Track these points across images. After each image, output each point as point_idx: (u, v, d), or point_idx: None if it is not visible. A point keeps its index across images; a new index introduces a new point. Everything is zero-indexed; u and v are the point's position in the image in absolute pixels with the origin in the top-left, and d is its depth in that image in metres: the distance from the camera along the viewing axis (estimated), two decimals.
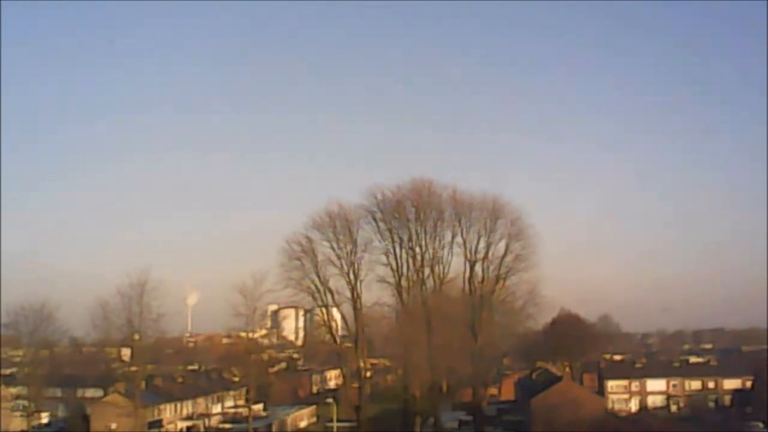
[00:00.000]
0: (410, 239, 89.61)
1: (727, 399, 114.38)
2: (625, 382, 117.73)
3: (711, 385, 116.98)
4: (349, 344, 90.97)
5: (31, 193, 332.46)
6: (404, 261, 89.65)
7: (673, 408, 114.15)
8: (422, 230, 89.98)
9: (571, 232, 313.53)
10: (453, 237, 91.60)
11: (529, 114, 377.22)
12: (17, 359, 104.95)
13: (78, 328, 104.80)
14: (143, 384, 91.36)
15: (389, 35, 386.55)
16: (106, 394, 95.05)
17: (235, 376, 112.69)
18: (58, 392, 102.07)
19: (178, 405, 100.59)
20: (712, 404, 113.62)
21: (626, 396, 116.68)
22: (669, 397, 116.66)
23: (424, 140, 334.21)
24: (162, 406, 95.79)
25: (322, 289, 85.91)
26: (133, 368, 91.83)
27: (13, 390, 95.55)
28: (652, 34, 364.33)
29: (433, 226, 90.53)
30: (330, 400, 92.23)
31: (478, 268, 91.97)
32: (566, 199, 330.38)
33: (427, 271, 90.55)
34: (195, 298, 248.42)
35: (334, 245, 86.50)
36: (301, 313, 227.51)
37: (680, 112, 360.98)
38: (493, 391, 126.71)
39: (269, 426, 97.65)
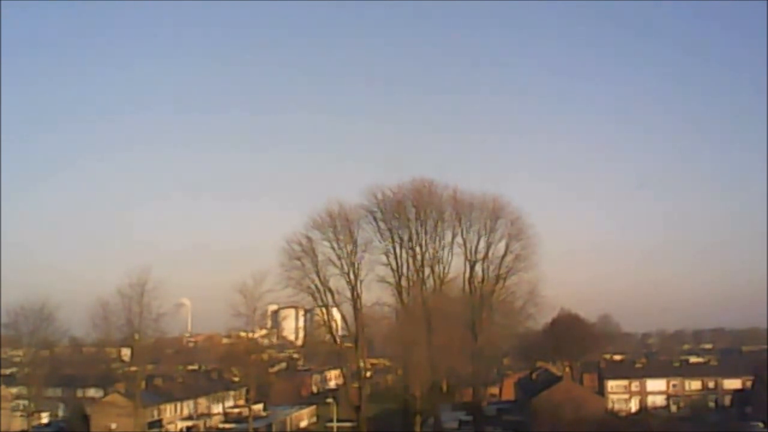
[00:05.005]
0: (410, 239, 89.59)
1: (727, 399, 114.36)
2: (625, 382, 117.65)
3: (711, 385, 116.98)
4: (349, 344, 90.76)
5: (31, 192, 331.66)
6: (404, 261, 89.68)
7: (673, 408, 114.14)
8: (422, 230, 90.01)
9: (571, 232, 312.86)
10: (453, 237, 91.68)
11: (529, 114, 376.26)
12: (17, 359, 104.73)
13: (78, 328, 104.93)
14: (143, 384, 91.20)
15: (389, 35, 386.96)
16: (106, 394, 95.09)
17: (235, 376, 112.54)
18: (58, 392, 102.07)
19: (178, 405, 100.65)
20: (712, 404, 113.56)
21: (626, 396, 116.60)
22: (669, 397, 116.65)
23: (424, 140, 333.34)
24: (162, 406, 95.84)
25: (322, 289, 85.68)
26: (133, 368, 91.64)
27: (13, 390, 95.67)
28: (652, 34, 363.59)
29: (434, 226, 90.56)
30: (330, 400, 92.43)
31: (478, 268, 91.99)
32: (566, 199, 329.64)
33: (427, 271, 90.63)
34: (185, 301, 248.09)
35: (334, 245, 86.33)
36: (301, 313, 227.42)
37: (680, 112, 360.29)
38: (493, 391, 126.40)
39: (269, 426, 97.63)
